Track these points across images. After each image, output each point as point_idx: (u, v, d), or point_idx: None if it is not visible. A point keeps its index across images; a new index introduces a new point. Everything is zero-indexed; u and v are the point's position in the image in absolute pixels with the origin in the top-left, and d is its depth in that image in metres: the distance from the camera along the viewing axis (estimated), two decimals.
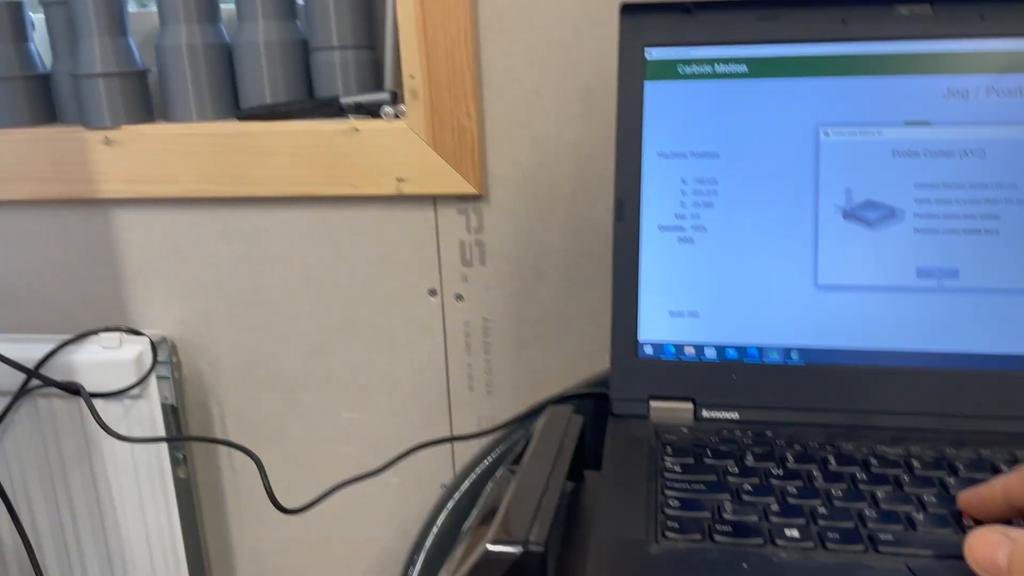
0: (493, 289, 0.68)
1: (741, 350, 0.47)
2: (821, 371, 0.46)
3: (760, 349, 0.47)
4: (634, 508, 0.37)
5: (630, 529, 0.35)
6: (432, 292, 0.69)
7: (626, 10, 0.48)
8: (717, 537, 0.34)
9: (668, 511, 0.36)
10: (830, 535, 0.34)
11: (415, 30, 0.62)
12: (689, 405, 0.47)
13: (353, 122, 0.65)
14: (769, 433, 0.44)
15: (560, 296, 0.67)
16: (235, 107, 0.72)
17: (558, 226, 0.65)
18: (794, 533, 0.34)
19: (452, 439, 0.59)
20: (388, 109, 0.65)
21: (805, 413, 0.45)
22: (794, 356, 0.46)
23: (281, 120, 0.68)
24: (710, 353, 0.47)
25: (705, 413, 0.46)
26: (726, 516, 0.36)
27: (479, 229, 0.67)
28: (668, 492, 0.38)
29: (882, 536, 0.33)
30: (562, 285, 0.67)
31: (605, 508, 0.37)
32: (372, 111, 0.67)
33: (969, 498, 0.34)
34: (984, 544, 0.29)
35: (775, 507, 0.36)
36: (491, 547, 0.31)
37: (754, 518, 0.35)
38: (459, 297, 0.68)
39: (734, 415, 0.46)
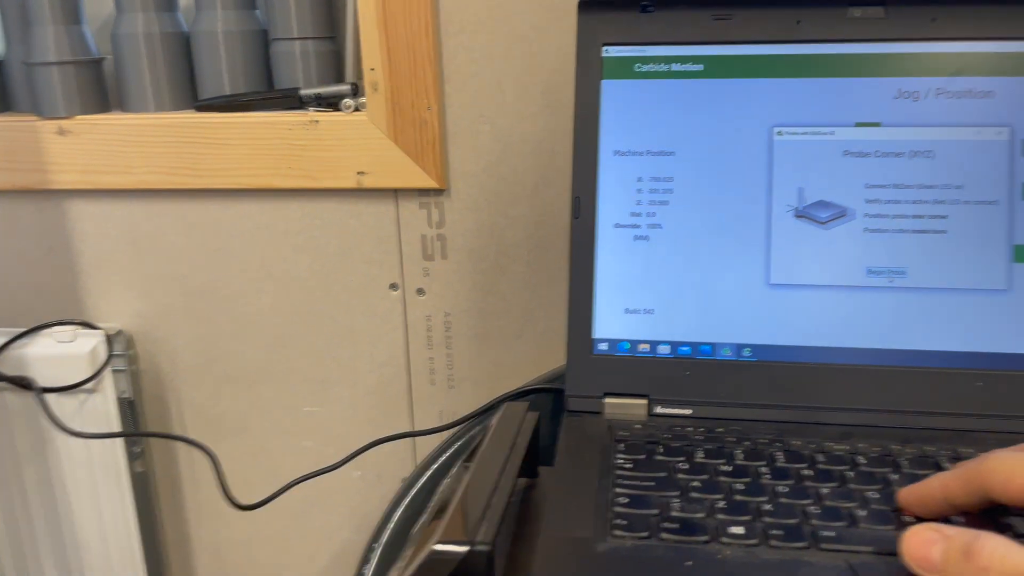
0: (455, 283, 0.68)
1: (695, 347, 0.47)
2: (772, 368, 0.46)
3: (713, 346, 0.47)
4: (584, 505, 0.37)
5: (579, 527, 0.35)
6: (393, 286, 0.69)
7: (584, 8, 0.48)
8: (663, 535, 0.34)
9: (617, 508, 0.36)
10: (774, 532, 0.34)
11: (375, 22, 0.61)
12: (643, 402, 0.47)
13: (313, 114, 0.65)
14: (720, 429, 0.45)
15: (522, 290, 0.67)
16: (193, 97, 0.71)
17: (520, 220, 0.65)
18: (739, 530, 0.35)
19: (410, 434, 0.59)
20: (348, 101, 0.65)
21: (756, 409, 0.46)
22: (746, 353, 0.47)
23: (239, 111, 0.67)
24: (664, 350, 0.48)
25: (659, 410, 0.47)
26: (673, 513, 0.36)
27: (440, 223, 0.66)
28: (618, 489, 0.38)
29: (824, 533, 0.34)
30: (524, 279, 0.67)
31: (555, 506, 0.37)
32: (332, 103, 0.66)
33: (908, 495, 0.35)
34: (919, 541, 0.30)
35: (722, 504, 0.37)
36: (438, 547, 0.31)
37: (701, 515, 0.36)
38: (420, 291, 0.68)
39: (687, 411, 0.47)
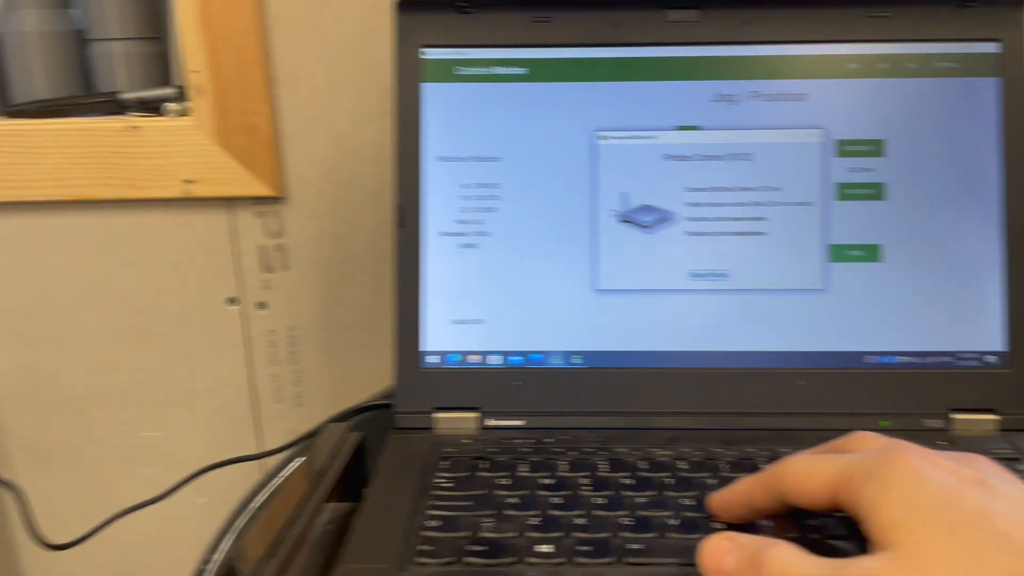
0: (298, 296, 0.65)
1: (525, 356, 0.46)
2: (602, 374, 0.46)
3: (544, 354, 0.46)
4: (392, 532, 0.35)
5: (381, 556, 0.33)
6: (232, 300, 0.65)
7: (401, 8, 0.46)
8: (469, 559, 0.33)
9: (425, 533, 0.35)
10: (582, 548, 0.33)
11: (197, 22, 0.58)
12: (474, 415, 0.46)
13: (133, 119, 0.60)
14: (550, 440, 0.44)
15: (370, 300, 0.65)
16: (2, 102, 0.65)
17: (363, 228, 0.63)
18: (547, 548, 0.33)
19: (243, 459, 0.56)
20: (172, 106, 0.61)
21: (587, 417, 0.45)
22: (576, 360, 0.46)
23: (53, 117, 0.62)
24: (494, 360, 0.46)
25: (490, 422, 0.46)
26: (483, 535, 0.35)
27: (279, 233, 0.63)
28: (431, 512, 0.36)
29: (631, 547, 0.33)
30: (371, 289, 0.65)
31: (360, 534, 0.35)
32: (156, 107, 0.62)
33: (716, 501, 0.35)
34: (714, 552, 0.29)
35: (535, 521, 0.35)
36: None
37: (512, 534, 0.35)
38: (261, 305, 0.65)
39: (519, 423, 0.46)
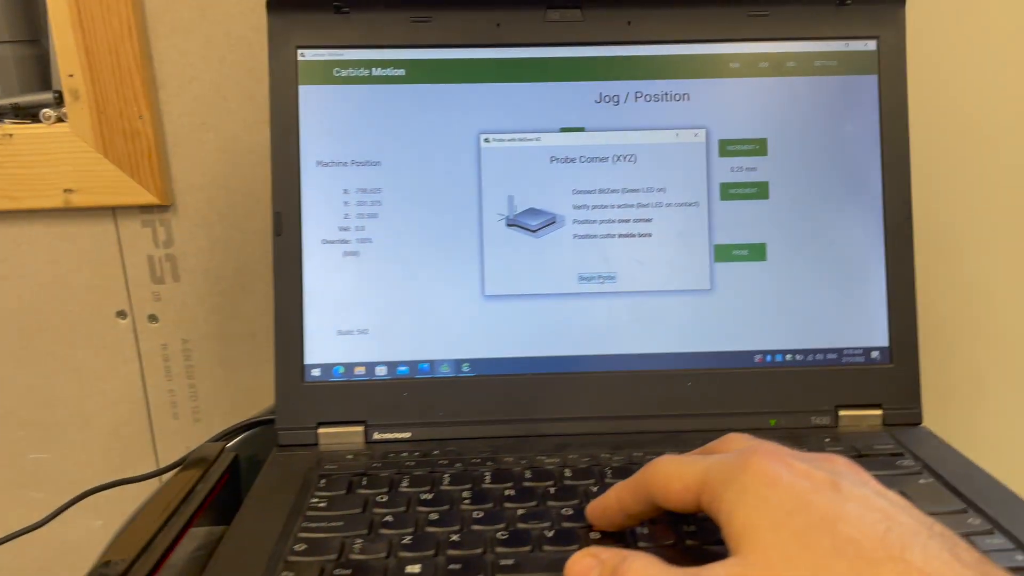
0: (191, 307, 0.62)
1: (412, 366, 0.45)
2: (491, 382, 0.45)
3: (431, 363, 0.45)
4: (256, 558, 0.34)
5: None
6: (121, 314, 0.62)
7: (273, 7, 0.45)
8: None
9: (291, 558, 0.33)
10: (453, 567, 0.32)
11: (70, 22, 0.55)
12: (360, 429, 0.44)
13: (6, 126, 0.57)
14: (436, 452, 0.43)
15: (266, 310, 0.62)
16: None
17: (257, 236, 0.61)
18: (415, 569, 0.32)
19: (123, 482, 0.53)
20: (48, 112, 0.58)
21: (475, 427, 0.44)
22: (465, 369, 0.45)
23: None
24: (380, 371, 0.45)
25: (376, 435, 0.44)
26: (351, 556, 0.33)
27: (168, 242, 0.61)
28: (301, 534, 0.35)
29: (503, 562, 0.32)
30: (267, 298, 0.62)
31: (221, 561, 0.33)
32: (35, 114, 0.59)
33: (593, 509, 0.34)
34: (578, 569, 0.29)
35: (408, 540, 0.34)
36: None
37: (381, 555, 0.33)
38: (153, 318, 0.62)
39: (406, 435, 0.44)
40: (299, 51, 0.45)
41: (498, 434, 0.44)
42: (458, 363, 0.45)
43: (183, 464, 0.48)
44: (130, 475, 0.56)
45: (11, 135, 0.57)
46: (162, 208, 0.60)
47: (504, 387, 0.45)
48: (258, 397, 0.64)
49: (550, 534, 0.34)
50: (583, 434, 0.44)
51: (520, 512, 0.36)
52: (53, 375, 0.63)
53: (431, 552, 0.33)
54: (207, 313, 0.62)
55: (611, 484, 0.37)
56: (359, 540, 0.34)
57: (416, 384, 0.45)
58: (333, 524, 0.36)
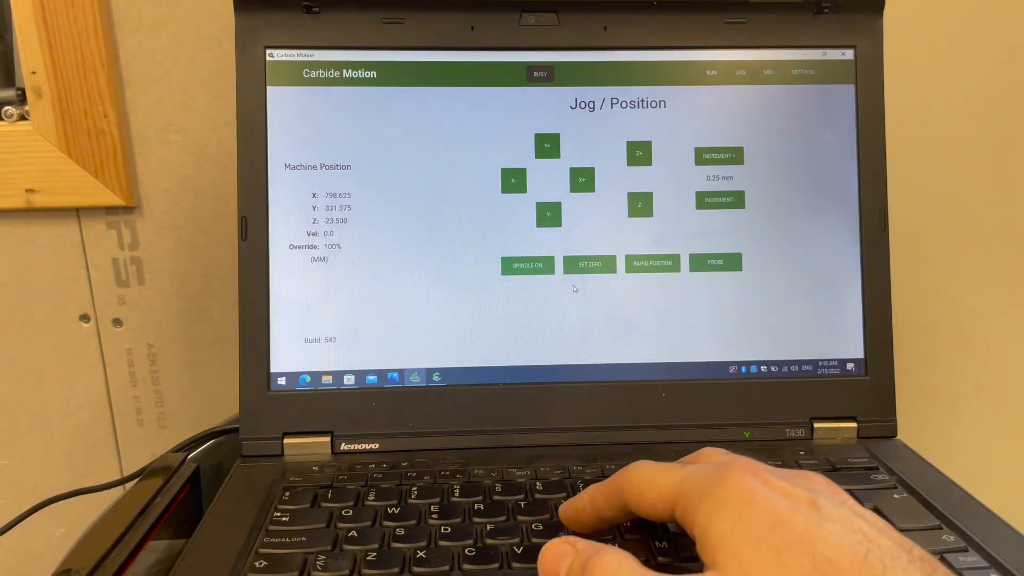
0: (157, 311, 0.61)
1: (381, 375, 0.44)
2: (463, 392, 0.44)
3: (401, 372, 0.44)
4: (214, 574, 0.32)
5: None
6: (84, 317, 0.60)
7: (241, 6, 0.43)
8: None
9: (251, 575, 0.32)
10: None
11: (32, 18, 0.53)
12: (327, 439, 0.43)
13: None
14: (405, 464, 0.42)
15: (234, 316, 0.61)
16: None
17: (225, 239, 0.59)
18: None
19: (83, 491, 0.52)
20: (11, 109, 0.56)
21: (446, 438, 0.43)
22: (436, 378, 0.44)
23: None
24: (349, 380, 0.44)
25: (344, 446, 0.43)
26: (313, 573, 0.32)
27: (134, 245, 0.59)
28: (262, 550, 0.34)
29: None
30: (236, 304, 0.61)
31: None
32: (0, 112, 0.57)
33: (566, 510, 0.34)
34: (552, 555, 0.28)
35: (372, 556, 0.33)
36: None
37: (345, 572, 0.32)
38: (117, 322, 0.61)
39: (374, 445, 0.43)
40: (268, 51, 0.44)
41: (468, 445, 0.43)
42: (429, 372, 0.44)
43: (144, 474, 0.47)
44: (93, 483, 0.55)
45: None
46: (127, 209, 0.58)
47: (476, 397, 0.44)
48: (225, 404, 0.63)
49: (519, 550, 0.33)
50: (555, 445, 0.43)
51: (489, 527, 0.35)
52: (13, 379, 0.61)
53: (396, 569, 0.32)
54: (173, 317, 0.61)
55: None
56: (322, 556, 0.33)
57: (385, 393, 0.44)
58: (295, 540, 0.34)
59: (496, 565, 0.33)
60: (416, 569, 0.32)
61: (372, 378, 0.44)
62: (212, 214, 0.59)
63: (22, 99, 0.57)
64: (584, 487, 0.38)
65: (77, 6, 0.53)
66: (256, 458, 0.43)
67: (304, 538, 0.35)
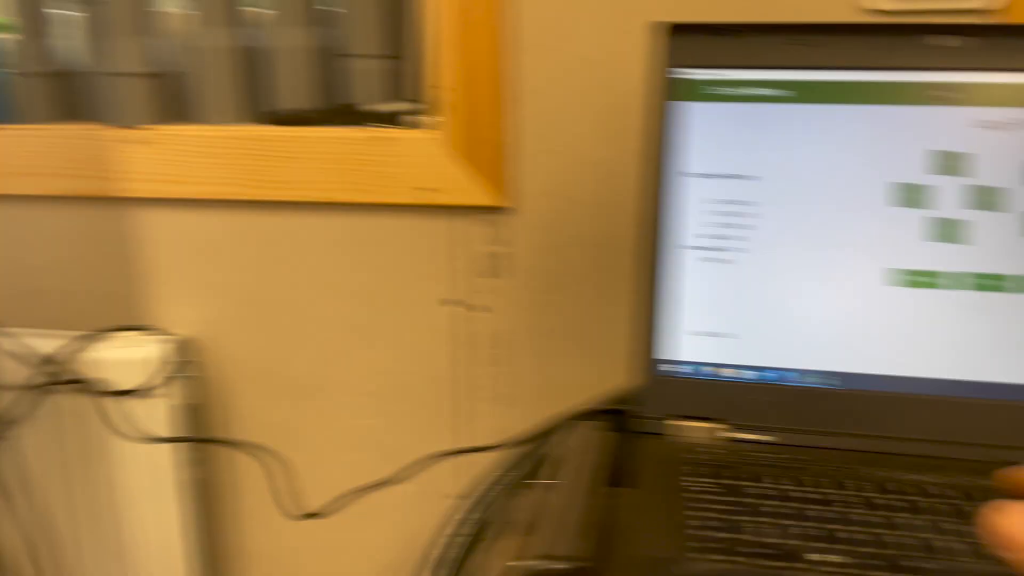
0: (512, 301, 0.68)
1: (778, 372, 0.47)
2: (862, 397, 0.46)
3: (799, 372, 0.47)
4: (660, 527, 0.37)
5: (657, 547, 0.35)
6: (450, 302, 0.69)
7: (659, 30, 0.48)
8: (739, 558, 0.34)
9: (690, 531, 0.36)
10: (873, 563, 0.34)
11: (448, 42, 0.62)
12: (717, 426, 0.47)
13: (379, 130, 0.65)
14: (785, 455, 0.44)
15: (582, 310, 0.67)
16: (262, 111, 0.72)
17: (582, 241, 0.66)
18: (835, 558, 0.34)
19: (467, 451, 0.59)
20: (414, 119, 0.65)
21: (844, 438, 0.46)
22: (833, 382, 0.46)
23: (306, 125, 0.68)
24: (746, 374, 0.47)
25: (734, 434, 0.47)
26: (747, 536, 0.36)
27: (502, 241, 0.67)
28: (689, 512, 0.38)
29: (926, 566, 0.33)
30: (584, 299, 0.67)
31: (632, 526, 0.37)
32: (398, 120, 0.67)
33: (1005, 474, 0.32)
34: (1013, 521, 0.27)
35: (796, 530, 0.36)
36: (536, 562, 0.31)
37: (775, 539, 0.35)
38: (477, 308, 0.68)
39: (764, 437, 0.46)
40: (679, 70, 0.48)
41: (859, 447, 0.45)
42: (828, 374, 0.46)
43: (537, 439, 0.53)
44: (439, 449, 0.61)
45: (382, 137, 0.65)
46: (499, 210, 0.66)
47: (874, 403, 0.46)
48: (564, 390, 0.69)
49: (960, 547, 0.35)
50: (948, 457, 0.44)
51: (918, 523, 0.37)
52: (383, 351, 0.71)
53: (844, 546, 0.35)
54: (525, 308, 0.68)
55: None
56: (748, 523, 0.37)
57: (780, 390, 0.47)
58: (719, 508, 0.38)
59: (945, 559, 0.34)
60: (859, 548, 0.35)
61: (770, 374, 0.47)
62: (573, 219, 0.65)
63: (416, 110, 0.66)
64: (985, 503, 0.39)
65: (487, 31, 0.62)
66: (648, 435, 0.47)
67: (726, 507, 0.38)
